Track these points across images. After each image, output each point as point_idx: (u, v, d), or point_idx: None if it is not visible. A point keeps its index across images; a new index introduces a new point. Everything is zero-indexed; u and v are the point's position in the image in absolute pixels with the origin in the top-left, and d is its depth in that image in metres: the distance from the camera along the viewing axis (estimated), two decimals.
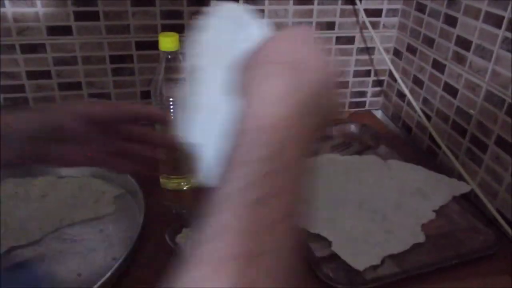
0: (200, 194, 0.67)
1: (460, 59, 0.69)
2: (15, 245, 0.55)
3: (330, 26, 0.83)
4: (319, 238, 0.55)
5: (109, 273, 0.47)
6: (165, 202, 0.63)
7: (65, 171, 0.68)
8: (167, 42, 0.59)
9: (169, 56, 0.60)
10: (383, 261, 0.52)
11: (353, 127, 0.84)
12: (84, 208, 0.61)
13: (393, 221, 0.58)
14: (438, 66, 0.75)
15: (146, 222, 0.57)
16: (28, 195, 0.63)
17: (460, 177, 0.67)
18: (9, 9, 0.69)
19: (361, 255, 0.51)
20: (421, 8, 0.78)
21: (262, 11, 0.79)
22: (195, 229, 0.56)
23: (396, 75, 0.80)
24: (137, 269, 0.53)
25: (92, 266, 0.53)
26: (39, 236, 0.56)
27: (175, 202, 0.62)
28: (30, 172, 0.67)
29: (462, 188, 0.64)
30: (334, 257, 0.52)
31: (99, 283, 0.46)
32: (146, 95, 0.81)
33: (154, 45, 0.77)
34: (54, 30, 0.73)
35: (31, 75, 0.75)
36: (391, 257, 0.53)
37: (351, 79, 0.90)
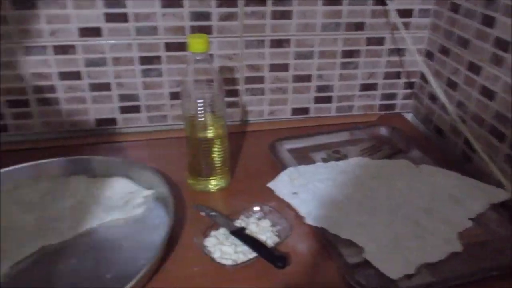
0: (227, 196, 0.67)
1: (498, 61, 0.67)
2: (47, 243, 0.55)
3: (360, 27, 0.82)
4: (350, 243, 0.54)
5: (139, 276, 0.47)
6: (193, 204, 0.63)
7: (96, 170, 0.68)
8: (197, 43, 0.58)
9: (198, 58, 0.60)
10: (417, 270, 0.50)
11: (383, 130, 0.82)
12: (114, 209, 0.61)
13: (426, 228, 0.56)
14: (473, 68, 0.72)
15: (175, 224, 0.57)
16: (61, 194, 0.64)
17: (498, 184, 0.65)
18: (42, 11, 0.71)
19: (394, 263, 0.50)
20: (454, 8, 0.76)
21: (290, 12, 0.78)
22: (224, 231, 0.55)
23: (429, 77, 0.78)
24: (166, 272, 0.53)
25: (121, 267, 0.53)
26: (70, 235, 0.57)
27: (203, 205, 0.62)
28: (62, 171, 0.68)
29: (501, 195, 0.61)
30: (366, 264, 0.51)
31: (129, 286, 0.46)
32: (174, 96, 0.81)
33: (182, 46, 0.78)
34: (85, 32, 0.73)
35: (62, 76, 0.76)
36: (426, 266, 0.51)
37: (381, 81, 0.88)
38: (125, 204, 0.63)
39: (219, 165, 0.67)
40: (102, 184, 0.67)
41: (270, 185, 0.65)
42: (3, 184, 0.64)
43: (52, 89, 0.77)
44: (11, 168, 0.66)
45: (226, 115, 0.66)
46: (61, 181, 0.67)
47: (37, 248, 0.55)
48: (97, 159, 0.69)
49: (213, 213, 0.59)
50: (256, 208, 0.61)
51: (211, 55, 0.78)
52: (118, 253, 0.55)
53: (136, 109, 0.81)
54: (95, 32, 0.74)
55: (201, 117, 0.63)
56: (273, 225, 0.58)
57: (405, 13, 0.81)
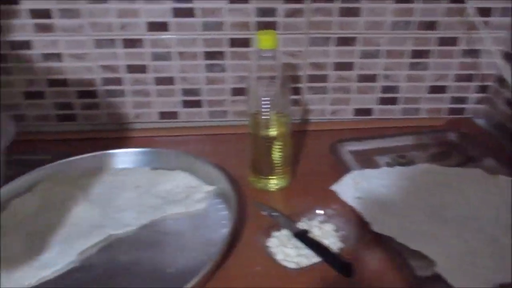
0: (288, 196, 0.66)
1: None
2: (113, 233, 0.57)
3: (431, 26, 0.77)
4: (419, 255, 0.51)
5: (202, 273, 0.47)
6: (254, 202, 0.62)
7: (157, 162, 0.70)
8: (266, 40, 0.57)
9: (266, 55, 0.59)
10: None
11: (451, 135, 0.77)
12: (176, 203, 0.62)
13: (504, 245, 0.52)
14: None
15: (237, 221, 0.57)
16: (124, 185, 0.66)
17: None
18: (112, 5, 0.72)
19: (471, 281, 0.46)
20: None
21: (358, 9, 0.75)
22: (287, 233, 0.54)
23: (509, 81, 0.72)
24: (227, 269, 0.52)
25: (182, 262, 0.53)
26: (134, 226, 0.58)
27: (264, 203, 0.61)
28: (125, 162, 0.70)
29: None
30: (438, 279, 0.48)
31: (192, 282, 0.46)
32: (236, 92, 0.81)
33: (247, 42, 0.77)
34: (153, 26, 0.75)
35: (129, 69, 0.78)
36: (505, 286, 0.47)
37: (451, 84, 0.83)
38: (186, 198, 0.63)
39: (280, 164, 0.66)
40: (164, 177, 0.67)
41: (334, 187, 0.63)
42: (73, 171, 0.67)
43: (119, 81, 0.79)
44: (78, 157, 0.69)
45: (291, 114, 0.64)
46: (124, 172, 0.69)
47: (103, 236, 0.56)
48: (159, 151, 0.71)
49: (275, 213, 0.58)
50: (319, 211, 0.59)
51: None
52: (179, 247, 0.55)
53: (197, 103, 0.82)
54: (162, 26, 0.75)
55: (265, 115, 0.62)
56: (336, 230, 0.56)
57: (484, 12, 0.76)
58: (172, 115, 0.83)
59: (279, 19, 0.75)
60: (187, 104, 0.82)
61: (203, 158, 0.68)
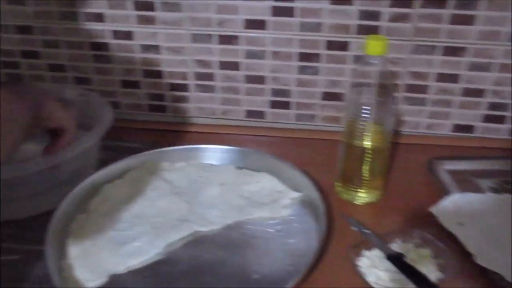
0: (377, 213, 0.62)
1: None
2: (199, 229, 0.57)
3: None
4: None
5: (291, 284, 0.45)
6: (344, 215, 0.59)
7: (242, 162, 0.69)
8: (376, 46, 0.54)
9: (373, 61, 0.55)
10: None
11: None
12: (261, 206, 0.60)
13: None
14: None
15: (325, 234, 0.54)
16: (209, 181, 0.65)
17: None
18: (213, 1, 0.72)
19: None
20: None
21: (472, 17, 0.68)
22: (378, 253, 0.50)
23: None
24: (313, 282, 0.50)
25: (267, 269, 0.51)
26: (219, 225, 0.57)
27: (354, 218, 0.58)
28: (211, 158, 0.70)
29: None
30: None
31: None
32: (327, 96, 0.78)
33: (344, 45, 0.74)
34: (250, 23, 0.74)
35: (222, 65, 0.78)
36: None
37: None
38: (272, 203, 0.61)
39: (371, 177, 0.62)
40: (249, 177, 0.66)
41: (433, 210, 0.58)
42: (162, 161, 0.68)
43: (210, 76, 0.79)
44: (169, 148, 0.69)
45: (390, 126, 0.60)
46: (209, 168, 0.69)
47: (189, 232, 0.56)
48: (246, 151, 0.70)
49: (367, 231, 0.55)
50: (415, 234, 0.54)
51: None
52: (263, 253, 0.54)
53: (286, 105, 0.80)
54: (259, 24, 0.73)
55: (362, 124, 0.59)
56: (434, 257, 0.51)
57: None
58: (259, 114, 0.82)
59: (383, 23, 0.71)
60: (275, 104, 0.80)
61: (290, 163, 0.66)
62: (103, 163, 0.65)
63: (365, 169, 0.61)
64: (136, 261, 0.51)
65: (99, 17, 0.76)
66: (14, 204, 0.59)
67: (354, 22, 0.71)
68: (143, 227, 0.56)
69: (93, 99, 0.70)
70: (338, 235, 0.57)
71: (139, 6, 0.74)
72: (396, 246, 0.53)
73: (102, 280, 0.49)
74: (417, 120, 0.78)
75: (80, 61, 0.80)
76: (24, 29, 0.78)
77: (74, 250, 0.52)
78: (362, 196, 0.63)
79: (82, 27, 0.77)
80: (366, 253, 0.52)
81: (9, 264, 0.52)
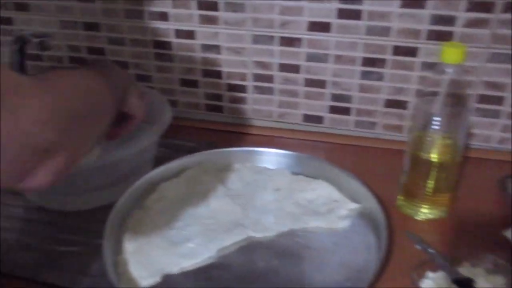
0: (442, 231, 0.58)
1: None
2: (253, 235, 0.55)
3: None
4: None
5: None
6: (407, 232, 0.55)
7: (298, 167, 0.67)
8: (453, 53, 0.50)
9: (449, 70, 0.52)
10: None
11: None
12: (317, 215, 0.58)
13: None
14: None
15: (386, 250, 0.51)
16: (264, 185, 0.64)
17: None
18: (277, 1, 0.71)
19: None
20: None
21: None
22: (444, 276, 0.47)
23: None
24: None
25: (322, 282, 0.49)
26: (274, 232, 0.56)
27: (418, 235, 0.54)
28: (266, 160, 0.68)
29: None
30: None
31: None
32: (390, 103, 0.74)
33: (413, 51, 0.70)
34: (313, 26, 0.72)
35: (282, 67, 0.76)
36: None
37: None
38: (328, 213, 0.59)
39: (437, 193, 0.58)
40: (306, 184, 0.64)
41: (508, 233, 0.53)
42: (218, 162, 0.67)
43: (269, 78, 0.78)
44: (225, 149, 0.69)
45: (463, 140, 0.56)
46: (265, 171, 0.67)
47: (243, 237, 0.55)
48: (303, 156, 0.68)
49: (432, 251, 0.51)
50: (487, 258, 0.50)
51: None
52: (318, 265, 0.52)
53: (345, 111, 0.77)
54: (323, 27, 0.71)
55: (430, 136, 0.55)
56: (508, 286, 0.47)
57: None
58: (316, 119, 0.79)
59: (457, 29, 0.66)
60: (334, 110, 0.78)
61: (348, 171, 0.63)
62: (160, 160, 0.65)
63: (431, 184, 0.58)
64: (189, 263, 0.51)
65: (163, 16, 0.76)
66: (75, 197, 0.60)
67: (425, 27, 0.67)
68: (197, 228, 0.56)
69: (153, 97, 0.71)
70: (399, 252, 0.54)
71: (202, 6, 0.74)
72: (464, 270, 0.49)
73: (156, 279, 0.49)
74: (489, 134, 0.73)
75: (142, 59, 0.82)
76: (91, 26, 0.81)
77: (130, 246, 0.52)
78: (426, 212, 0.60)
79: (146, 26, 0.78)
80: (431, 274, 0.48)
81: (68, 255, 0.53)
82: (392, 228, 0.57)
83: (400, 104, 0.74)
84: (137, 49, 0.81)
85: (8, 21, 0.83)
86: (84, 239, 0.56)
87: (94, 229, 0.52)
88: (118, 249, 0.52)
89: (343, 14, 0.70)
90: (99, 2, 0.78)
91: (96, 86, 0.39)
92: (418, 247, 0.52)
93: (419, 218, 0.60)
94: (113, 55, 0.82)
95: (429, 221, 0.59)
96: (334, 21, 0.70)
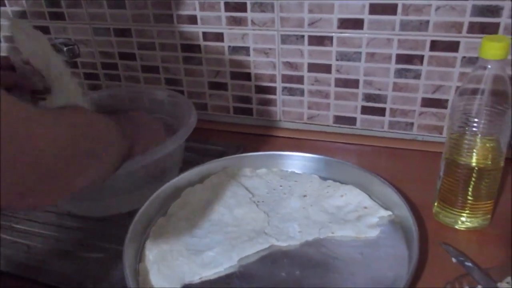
0: (482, 242, 0.53)
1: None
2: (276, 244, 0.53)
3: None
4: None
5: None
6: (442, 243, 0.51)
7: (327, 172, 0.64)
8: (495, 48, 0.45)
9: (488, 65, 0.47)
10: None
11: None
12: (345, 223, 0.55)
13: None
14: None
15: (417, 263, 0.47)
16: (291, 191, 0.62)
17: None
18: (306, 1, 0.68)
19: None
20: None
21: None
22: None
23: None
24: None
25: None
26: (298, 241, 0.54)
27: (455, 247, 0.50)
28: (293, 165, 0.66)
29: None
30: None
31: None
32: (427, 103, 0.70)
33: (453, 46, 0.65)
34: (344, 23, 0.68)
35: (312, 67, 0.73)
36: None
37: None
38: (357, 221, 0.56)
39: (477, 200, 0.53)
40: (334, 190, 0.61)
41: None
42: (244, 167, 0.66)
43: (299, 79, 0.75)
44: (251, 154, 0.67)
45: (506, 142, 0.51)
46: (292, 177, 0.65)
47: (266, 245, 0.53)
48: (331, 160, 0.65)
49: (469, 264, 0.47)
50: None
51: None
52: (345, 277, 0.49)
53: (380, 111, 0.73)
54: (355, 23, 0.68)
55: (469, 138, 0.51)
56: None
57: None
58: (349, 120, 0.76)
59: (503, 20, 0.61)
60: (367, 110, 0.74)
61: (380, 176, 0.60)
62: (189, 165, 0.65)
63: (470, 190, 0.53)
64: (210, 272, 0.50)
65: (192, 19, 0.76)
66: (103, 202, 0.61)
67: (467, 19, 0.62)
68: (219, 236, 0.54)
69: (181, 101, 0.70)
70: (433, 265, 0.50)
71: (230, 7, 0.73)
72: (506, 286, 0.44)
73: None
74: None
75: (171, 63, 0.82)
76: (123, 32, 0.82)
77: (151, 254, 0.51)
78: (465, 221, 0.55)
79: (174, 29, 0.78)
80: None
81: (92, 261, 0.54)
82: (426, 239, 0.53)
83: (439, 103, 0.69)
84: (166, 53, 0.81)
85: (46, 30, 0.86)
86: (109, 245, 0.56)
87: (121, 236, 0.52)
88: (140, 257, 0.52)
89: (375, 9, 0.66)
90: (130, 8, 0.79)
91: (104, 131, 0.40)
92: (454, 259, 0.48)
93: (458, 228, 0.55)
94: (143, 60, 0.83)
95: (468, 231, 0.55)
96: (367, 17, 0.67)
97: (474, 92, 0.49)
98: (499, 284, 0.45)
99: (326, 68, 0.73)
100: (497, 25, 0.61)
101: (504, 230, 0.54)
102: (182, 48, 0.79)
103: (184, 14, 0.76)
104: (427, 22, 0.64)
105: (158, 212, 0.58)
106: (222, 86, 0.81)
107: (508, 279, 0.45)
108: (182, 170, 0.64)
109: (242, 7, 0.72)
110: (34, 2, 0.84)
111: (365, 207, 0.58)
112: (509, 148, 0.57)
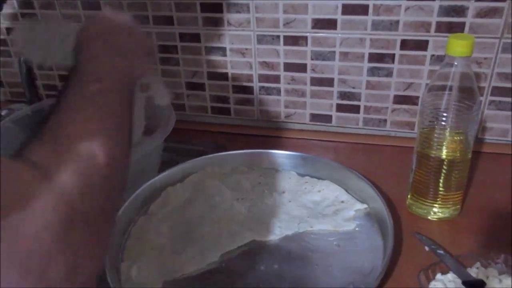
0: (453, 231, 0.56)
1: None
2: (257, 239, 0.54)
3: None
4: None
5: None
6: (415, 233, 0.53)
7: (304, 168, 0.65)
8: (460, 45, 0.48)
9: (456, 63, 0.50)
10: None
11: None
12: (323, 217, 0.57)
13: None
14: None
15: (392, 252, 0.49)
16: (270, 188, 0.63)
17: None
18: (281, 1, 0.70)
19: None
20: None
21: None
22: (454, 278, 0.45)
23: None
24: None
25: (328, 286, 0.48)
26: (278, 236, 0.55)
27: (427, 236, 0.52)
28: (272, 162, 0.67)
29: None
30: None
31: None
32: (400, 100, 0.72)
33: (421, 44, 0.67)
34: (318, 23, 0.70)
35: (288, 66, 0.75)
36: None
37: None
38: (334, 215, 0.57)
39: (448, 191, 0.56)
40: (312, 186, 0.63)
41: None
42: (224, 165, 0.67)
43: (275, 79, 0.77)
44: (230, 152, 0.68)
45: (473, 136, 0.54)
46: (271, 174, 0.66)
47: (247, 241, 0.54)
48: (308, 157, 0.66)
49: (441, 252, 0.49)
50: (499, 258, 0.48)
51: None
52: (323, 269, 0.50)
53: (354, 109, 0.75)
54: (329, 24, 0.69)
55: (439, 132, 0.53)
56: None
57: None
58: (324, 118, 0.78)
59: (469, 19, 0.63)
60: (342, 108, 0.76)
61: (356, 171, 0.62)
62: (168, 165, 0.65)
63: (441, 182, 0.55)
64: (192, 268, 0.50)
65: (169, 20, 0.76)
66: None
67: (434, 19, 0.65)
68: (201, 233, 0.55)
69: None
70: (407, 254, 0.52)
71: (205, 8, 0.74)
72: (475, 271, 0.47)
73: (158, 286, 0.48)
74: (505, 127, 0.70)
75: None
76: None
77: (133, 253, 0.52)
78: (437, 212, 0.57)
79: (151, 30, 0.78)
80: (440, 277, 0.47)
81: None
82: (400, 229, 0.55)
83: (411, 100, 0.72)
84: None
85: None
86: None
87: None
88: (121, 256, 0.52)
89: (348, 9, 0.68)
90: (104, 10, 0.78)
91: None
92: (427, 248, 0.50)
93: (430, 218, 0.58)
94: None
95: (440, 221, 0.57)
96: (340, 17, 0.69)
97: (443, 88, 0.52)
98: (469, 269, 0.47)
99: (302, 68, 0.74)
100: (463, 24, 0.64)
101: (473, 219, 0.57)
102: (159, 49, 0.80)
103: (160, 15, 0.77)
104: (397, 22, 0.67)
105: (139, 211, 0.59)
106: (199, 87, 0.81)
107: (478, 264, 0.48)
108: (162, 170, 0.64)
109: (218, 8, 0.73)
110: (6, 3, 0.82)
111: (342, 201, 0.60)
112: (476, 141, 0.60)
